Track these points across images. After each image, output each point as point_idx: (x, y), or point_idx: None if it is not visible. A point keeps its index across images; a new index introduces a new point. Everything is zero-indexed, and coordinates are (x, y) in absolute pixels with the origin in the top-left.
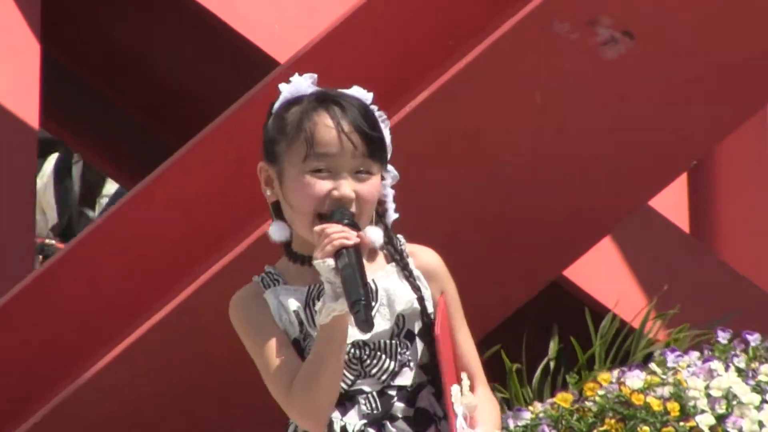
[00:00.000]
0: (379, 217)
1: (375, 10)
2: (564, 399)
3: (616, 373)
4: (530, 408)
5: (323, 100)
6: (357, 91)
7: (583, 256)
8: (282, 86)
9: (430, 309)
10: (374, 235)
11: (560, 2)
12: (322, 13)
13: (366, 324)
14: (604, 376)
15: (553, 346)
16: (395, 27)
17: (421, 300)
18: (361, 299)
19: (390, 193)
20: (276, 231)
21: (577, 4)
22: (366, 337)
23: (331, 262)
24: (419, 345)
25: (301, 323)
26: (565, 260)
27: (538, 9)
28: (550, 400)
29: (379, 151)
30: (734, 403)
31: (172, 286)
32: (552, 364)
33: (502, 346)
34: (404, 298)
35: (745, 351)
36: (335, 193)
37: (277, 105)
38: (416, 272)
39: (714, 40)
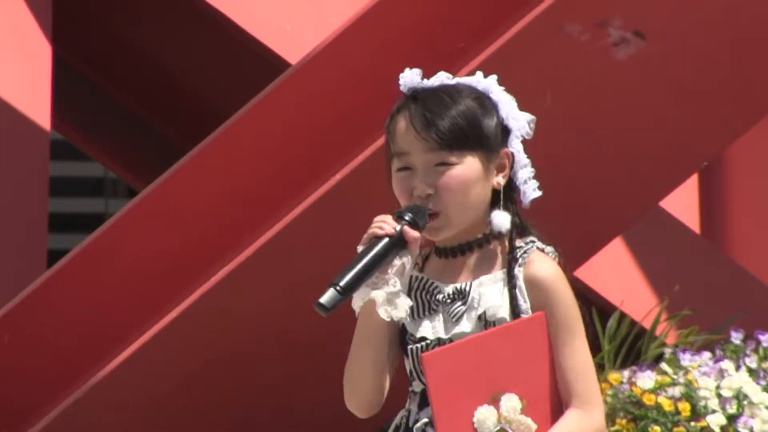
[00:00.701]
0: (509, 203)
1: (385, 11)
2: None
3: (627, 373)
4: None
5: (410, 96)
6: (475, 79)
7: (594, 257)
8: (400, 76)
9: None
10: (500, 219)
11: (571, 4)
12: (333, 15)
13: (320, 306)
14: (614, 376)
15: None
16: (406, 28)
17: (514, 313)
18: (338, 284)
19: (523, 175)
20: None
21: (588, 6)
22: (446, 336)
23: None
24: None
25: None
26: (576, 261)
27: (549, 10)
28: None
29: (455, 140)
30: (745, 403)
31: (181, 289)
32: None
33: None
34: (493, 305)
35: (756, 351)
36: (415, 191)
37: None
38: (521, 284)
39: (725, 41)
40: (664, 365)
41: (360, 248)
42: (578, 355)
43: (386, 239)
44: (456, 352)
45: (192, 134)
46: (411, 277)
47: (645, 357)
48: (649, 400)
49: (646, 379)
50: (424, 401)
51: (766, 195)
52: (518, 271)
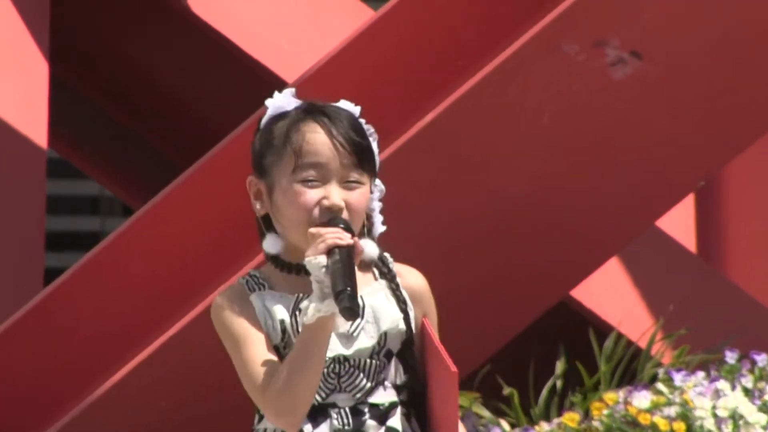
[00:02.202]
0: (367, 231)
1: (383, 30)
2: (571, 419)
3: (622, 393)
4: (537, 428)
5: (311, 111)
6: (344, 104)
7: (590, 276)
8: (268, 101)
9: (415, 331)
10: (369, 248)
11: (568, 23)
12: (330, 33)
13: (349, 311)
14: (610, 396)
15: (560, 367)
16: (404, 47)
17: (407, 320)
18: (346, 289)
19: (377, 206)
20: (270, 244)
21: (586, 25)
22: (348, 352)
23: (322, 259)
24: (396, 364)
25: (284, 331)
26: (572, 281)
27: (547, 30)
28: (556, 420)
29: (368, 161)
30: (741, 423)
31: (182, 304)
32: (559, 384)
33: (509, 365)
34: (390, 317)
35: (752, 371)
36: (325, 201)
37: (264, 119)
38: (403, 292)
39: (722, 61)
40: (660, 385)
41: (320, 258)
42: None
43: (347, 248)
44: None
45: (189, 153)
46: (296, 295)
47: (641, 377)
48: (644, 419)
49: (642, 399)
50: (316, 417)
51: (762, 215)
52: (398, 281)
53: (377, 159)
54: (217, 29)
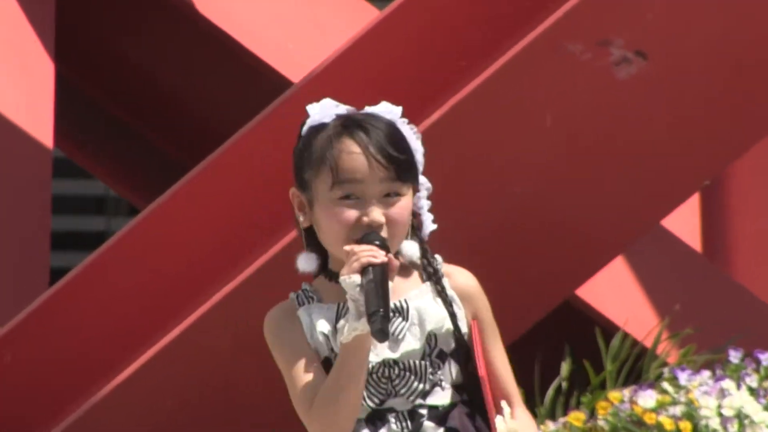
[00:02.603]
0: (415, 230)
1: (387, 30)
2: (576, 418)
3: (627, 392)
4: (542, 427)
5: (348, 125)
6: (385, 108)
7: (595, 276)
8: (310, 107)
9: (463, 329)
10: (410, 249)
11: (572, 22)
12: (333, 32)
13: (381, 333)
14: (615, 395)
15: (565, 368)
16: (408, 47)
17: (453, 319)
18: (379, 310)
19: (425, 204)
20: (304, 262)
21: (590, 25)
22: (395, 356)
23: (356, 278)
24: (453, 365)
25: (329, 341)
26: (577, 280)
27: (550, 29)
28: (562, 420)
29: (407, 172)
30: (746, 422)
31: (187, 304)
32: (564, 384)
33: (515, 364)
34: (435, 318)
35: (757, 370)
36: (365, 219)
37: (305, 129)
38: (450, 293)
39: (727, 61)
40: (665, 384)
41: (354, 277)
42: (505, 357)
43: (381, 267)
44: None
45: (194, 152)
46: (338, 305)
47: (646, 376)
48: (650, 419)
49: (647, 398)
50: (375, 423)
51: (767, 214)
52: (445, 281)
53: (420, 161)
54: (220, 27)
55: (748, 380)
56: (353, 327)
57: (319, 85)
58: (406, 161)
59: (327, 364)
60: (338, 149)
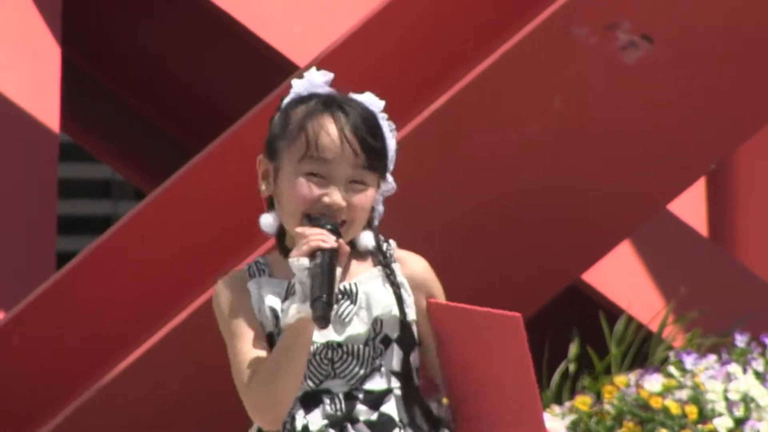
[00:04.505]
0: (368, 223)
1: (394, 14)
2: (583, 402)
3: (633, 376)
4: (549, 411)
5: (329, 104)
6: (368, 98)
7: (602, 260)
8: (294, 81)
9: (411, 316)
10: (366, 239)
11: (579, 7)
12: (341, 17)
13: (322, 320)
14: (621, 379)
15: (572, 351)
16: (414, 31)
17: (401, 305)
18: (322, 296)
19: (380, 198)
20: (267, 223)
21: (596, 9)
22: (340, 339)
23: (305, 261)
24: (396, 351)
25: (276, 318)
26: (584, 264)
27: (557, 14)
28: (568, 404)
29: (377, 162)
30: (752, 406)
31: (194, 288)
32: (571, 368)
33: None
34: (383, 303)
35: (763, 354)
36: (326, 199)
37: (286, 100)
38: (401, 279)
39: (733, 44)
40: (671, 368)
41: (302, 260)
42: None
43: (327, 253)
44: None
45: (200, 136)
46: (288, 283)
47: (652, 360)
48: (656, 403)
49: (653, 382)
50: (309, 403)
51: None
52: (396, 267)
53: (391, 157)
54: (228, 13)
55: (754, 364)
56: (298, 310)
57: (324, 69)
58: (379, 152)
59: (270, 339)
60: (316, 124)
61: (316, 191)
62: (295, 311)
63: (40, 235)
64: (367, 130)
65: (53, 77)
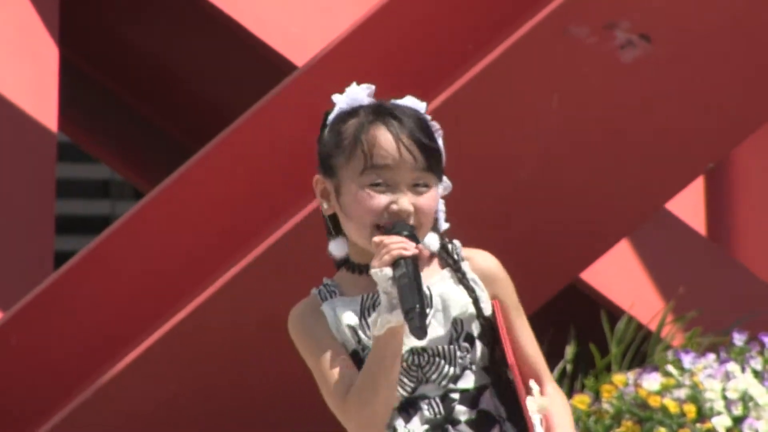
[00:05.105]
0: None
1: (392, 14)
2: (581, 401)
3: (632, 375)
4: None
5: (379, 112)
6: (411, 102)
7: (600, 259)
8: (336, 97)
9: (487, 311)
10: (431, 240)
11: (578, 6)
12: (339, 17)
13: (420, 331)
14: (619, 378)
15: (570, 351)
16: (412, 31)
17: (476, 304)
18: (415, 307)
19: (441, 202)
20: (336, 248)
21: (595, 8)
22: (423, 343)
23: (388, 271)
24: (479, 347)
25: (356, 334)
26: (582, 263)
27: (555, 13)
28: None
29: (436, 163)
30: (751, 404)
31: (188, 291)
32: (569, 367)
33: None
34: (459, 303)
35: (762, 353)
36: (394, 206)
37: (332, 116)
38: (471, 275)
39: (731, 44)
40: (669, 367)
41: (386, 270)
42: (532, 335)
43: (412, 258)
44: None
45: (198, 136)
46: (362, 297)
47: (651, 359)
48: (654, 402)
49: (652, 381)
50: (407, 412)
51: None
52: (465, 265)
53: (443, 158)
54: (226, 13)
55: (752, 363)
56: (386, 320)
57: (322, 70)
58: (435, 152)
59: (355, 357)
60: (372, 135)
61: (384, 200)
62: (383, 321)
63: (39, 235)
64: (421, 132)
65: (51, 77)
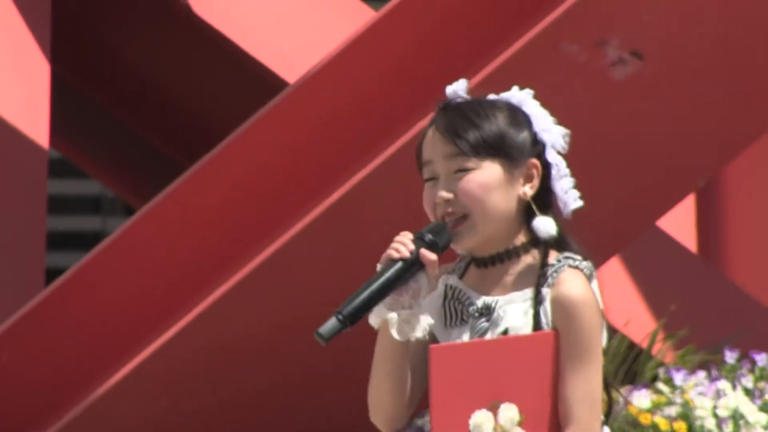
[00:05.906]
0: (549, 214)
1: (384, 31)
2: None
3: (623, 392)
4: None
5: (438, 109)
6: (505, 94)
7: None
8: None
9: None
10: (546, 224)
11: (569, 23)
12: (330, 33)
13: (319, 336)
14: None
15: None
16: (403, 48)
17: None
18: (340, 312)
19: (563, 186)
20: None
21: (586, 26)
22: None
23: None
24: None
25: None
26: None
27: (547, 30)
28: None
29: (473, 145)
30: (741, 422)
31: (179, 307)
32: None
33: None
34: (514, 329)
35: (752, 371)
36: (437, 199)
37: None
38: (547, 303)
39: (722, 61)
40: (660, 385)
41: (378, 268)
42: (586, 383)
43: (400, 263)
44: (463, 352)
45: (190, 152)
46: (446, 285)
47: (642, 377)
48: (645, 419)
49: (643, 399)
50: None
51: (762, 215)
52: (546, 291)
53: (510, 141)
54: (217, 29)
55: (743, 381)
56: (377, 314)
57: (314, 87)
58: (472, 135)
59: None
60: (425, 135)
61: (432, 195)
62: (376, 317)
63: (30, 251)
64: (462, 118)
65: (43, 93)
